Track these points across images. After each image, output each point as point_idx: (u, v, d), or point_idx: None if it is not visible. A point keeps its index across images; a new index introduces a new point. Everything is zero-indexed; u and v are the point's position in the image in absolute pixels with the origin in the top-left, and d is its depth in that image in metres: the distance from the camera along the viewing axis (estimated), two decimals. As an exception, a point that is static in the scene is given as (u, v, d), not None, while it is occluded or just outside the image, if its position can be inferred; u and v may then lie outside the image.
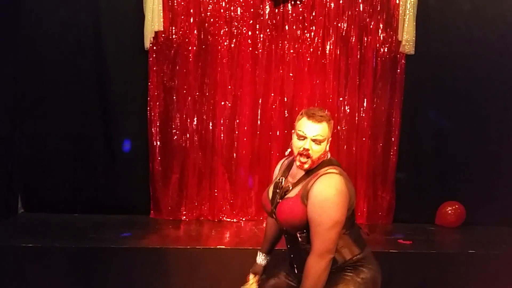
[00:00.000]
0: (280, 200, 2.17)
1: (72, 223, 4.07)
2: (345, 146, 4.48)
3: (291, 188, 2.16)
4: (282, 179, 2.25)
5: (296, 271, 2.25)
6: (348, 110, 4.51)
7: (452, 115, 4.61)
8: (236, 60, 4.42)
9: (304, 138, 2.10)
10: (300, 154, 2.10)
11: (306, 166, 2.10)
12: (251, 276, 2.48)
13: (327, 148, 2.15)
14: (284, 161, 2.37)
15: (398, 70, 4.51)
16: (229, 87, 4.42)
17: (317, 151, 2.10)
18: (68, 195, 4.42)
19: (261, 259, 2.48)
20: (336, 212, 2.01)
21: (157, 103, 4.39)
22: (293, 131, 2.16)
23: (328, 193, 2.02)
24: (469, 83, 4.58)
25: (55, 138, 4.38)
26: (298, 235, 2.12)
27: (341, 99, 4.51)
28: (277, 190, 2.22)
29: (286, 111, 4.48)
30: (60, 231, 3.77)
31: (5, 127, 4.26)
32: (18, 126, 4.37)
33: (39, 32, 4.30)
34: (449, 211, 4.46)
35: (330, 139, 2.16)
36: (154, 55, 4.35)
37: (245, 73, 4.42)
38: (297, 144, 2.11)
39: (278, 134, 4.46)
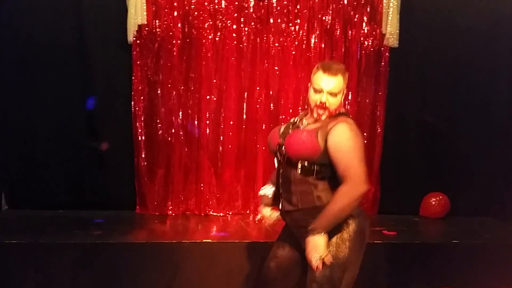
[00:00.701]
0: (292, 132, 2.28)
1: (57, 219, 4.03)
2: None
3: (306, 124, 2.27)
4: (297, 120, 2.35)
5: (280, 207, 2.36)
6: (333, 103, 4.52)
7: (436, 107, 4.66)
8: (221, 54, 4.40)
9: (321, 91, 2.19)
10: (317, 107, 2.21)
11: (323, 117, 2.21)
12: (266, 208, 2.51)
13: (342, 101, 2.27)
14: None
15: (382, 63, 4.54)
16: (214, 81, 4.41)
17: (333, 103, 2.21)
18: (52, 191, 4.38)
19: (268, 190, 2.50)
20: (360, 149, 2.14)
21: (142, 98, 4.35)
22: (309, 84, 2.26)
23: (351, 134, 2.13)
24: (453, 75, 4.63)
25: (39, 134, 4.33)
26: (299, 164, 2.19)
27: (326, 92, 4.52)
28: (290, 126, 2.34)
29: (271, 105, 4.48)
30: (45, 228, 3.74)
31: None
32: (1, 123, 4.30)
33: (20, 26, 4.23)
34: (433, 202, 4.51)
35: (345, 90, 2.27)
36: (137, 49, 4.31)
37: (230, 66, 4.41)
38: (313, 98, 2.21)
39: (264, 127, 4.46)
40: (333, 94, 2.20)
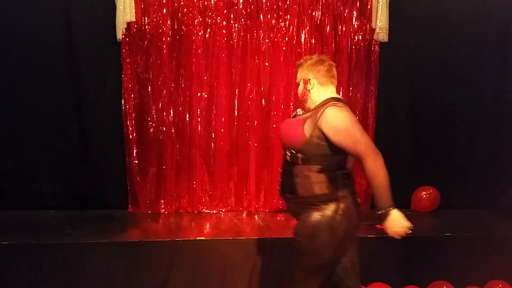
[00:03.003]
0: None
1: (48, 219, 4.00)
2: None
3: (300, 114, 2.43)
4: (299, 112, 2.49)
5: (279, 193, 2.46)
6: (324, 99, 4.53)
7: (426, 101, 4.68)
8: (211, 51, 4.38)
9: None
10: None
11: (306, 104, 2.43)
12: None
13: (308, 88, 2.39)
14: None
15: (372, 58, 4.55)
16: (205, 78, 4.39)
17: (299, 91, 2.47)
18: (43, 191, 4.34)
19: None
20: (356, 123, 2.23)
21: (132, 96, 4.32)
22: None
23: (342, 113, 2.22)
24: (443, 69, 4.66)
25: (28, 134, 4.29)
26: (287, 152, 2.33)
27: (317, 87, 4.52)
28: (291, 116, 2.52)
29: (263, 101, 4.47)
30: (36, 228, 3.70)
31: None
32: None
33: (8, 26, 4.18)
34: (424, 196, 4.54)
35: (313, 80, 2.38)
36: (127, 47, 4.27)
37: (221, 63, 4.39)
38: None
39: (255, 124, 4.45)
40: (297, 84, 2.48)
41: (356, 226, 2.39)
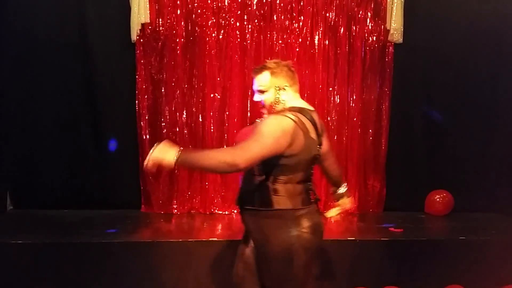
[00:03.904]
0: None
1: (62, 219, 4.04)
2: (335, 136, 4.48)
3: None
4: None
5: (236, 201, 2.29)
6: (338, 100, 4.51)
7: (440, 104, 4.64)
8: (225, 52, 4.39)
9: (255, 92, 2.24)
10: (259, 107, 2.26)
11: (265, 115, 2.23)
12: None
13: (281, 96, 2.19)
14: None
15: (387, 59, 4.51)
16: (218, 79, 4.39)
17: (266, 99, 2.20)
18: (57, 191, 4.39)
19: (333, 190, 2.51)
20: (268, 139, 1.96)
21: (146, 97, 4.35)
22: None
23: (269, 120, 2.05)
24: (458, 71, 4.60)
25: (43, 134, 4.34)
26: None
27: (330, 89, 4.50)
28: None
29: (275, 102, 4.46)
30: (50, 227, 3.75)
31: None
32: (4, 122, 4.31)
33: (23, 26, 4.23)
34: (437, 199, 4.49)
35: (286, 85, 2.20)
36: (141, 48, 4.30)
37: (234, 64, 4.39)
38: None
39: (268, 125, 4.44)
40: (261, 92, 2.21)
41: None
